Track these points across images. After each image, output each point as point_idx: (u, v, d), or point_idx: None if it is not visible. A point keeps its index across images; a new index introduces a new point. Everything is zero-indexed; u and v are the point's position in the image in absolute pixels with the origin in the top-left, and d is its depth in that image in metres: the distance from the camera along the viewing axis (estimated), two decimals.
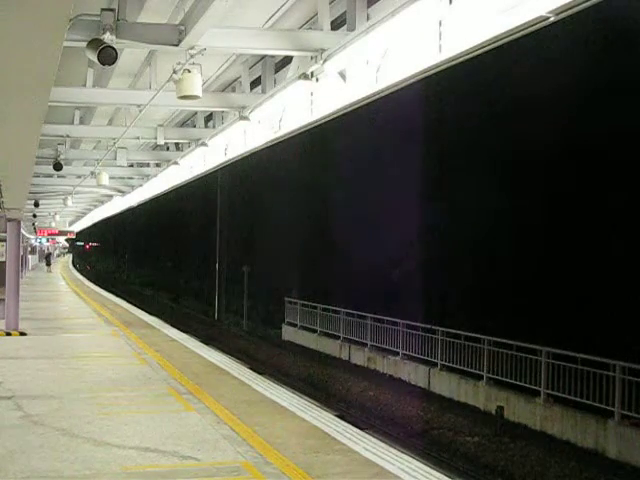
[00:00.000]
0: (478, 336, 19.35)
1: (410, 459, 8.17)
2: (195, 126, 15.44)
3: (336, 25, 8.53)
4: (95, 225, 56.55)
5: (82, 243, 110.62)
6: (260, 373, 16.17)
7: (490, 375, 18.61)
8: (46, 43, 5.79)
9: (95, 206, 36.46)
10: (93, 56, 7.07)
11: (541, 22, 5.56)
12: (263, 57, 10.95)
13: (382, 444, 8.75)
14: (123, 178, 23.00)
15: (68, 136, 15.16)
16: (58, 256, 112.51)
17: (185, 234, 59.95)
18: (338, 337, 26.86)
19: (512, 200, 22.60)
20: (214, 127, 14.52)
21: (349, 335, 26.09)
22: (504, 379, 18.09)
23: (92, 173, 18.30)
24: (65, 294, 36.30)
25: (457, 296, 24.66)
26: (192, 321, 40.33)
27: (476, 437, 16.53)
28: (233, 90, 12.56)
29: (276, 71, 11.13)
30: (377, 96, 8.38)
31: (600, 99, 19.34)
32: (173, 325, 23.46)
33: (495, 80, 21.78)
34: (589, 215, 20.02)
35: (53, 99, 9.82)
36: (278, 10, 8.91)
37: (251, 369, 15.42)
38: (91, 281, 54.62)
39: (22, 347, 16.07)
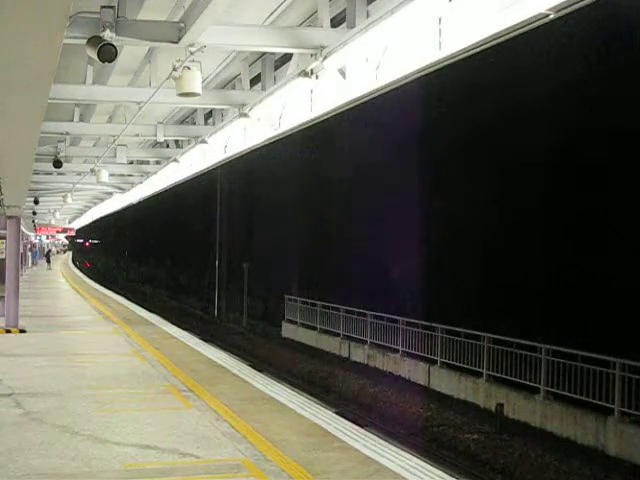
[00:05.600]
0: (478, 333, 19.36)
1: (410, 456, 8.18)
2: (195, 123, 15.45)
3: (336, 22, 8.54)
4: (95, 222, 56.59)
5: (82, 240, 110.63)
6: (260, 370, 16.18)
7: (490, 372, 18.62)
8: (46, 40, 5.79)
9: (95, 203, 36.51)
10: (93, 53, 7.08)
11: (541, 19, 5.57)
12: (263, 54, 10.95)
13: (382, 441, 8.76)
14: (123, 175, 23.02)
15: (68, 133, 15.18)
16: (58, 253, 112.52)
17: (185, 231, 59.94)
18: (338, 334, 26.87)
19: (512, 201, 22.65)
20: (214, 124, 14.53)
21: (349, 332, 26.10)
22: (504, 376, 18.10)
23: (92, 170, 18.31)
24: (65, 292, 36.31)
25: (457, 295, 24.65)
26: (192, 318, 40.36)
27: (476, 434, 16.53)
28: (233, 87, 12.57)
29: (276, 68, 11.14)
30: (377, 93, 8.40)
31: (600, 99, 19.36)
32: (173, 322, 23.47)
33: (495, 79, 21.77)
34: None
35: (53, 96, 9.83)
36: (278, 7, 8.92)
37: (251, 366, 15.43)
38: (91, 278, 54.64)
39: (22, 344, 16.08)
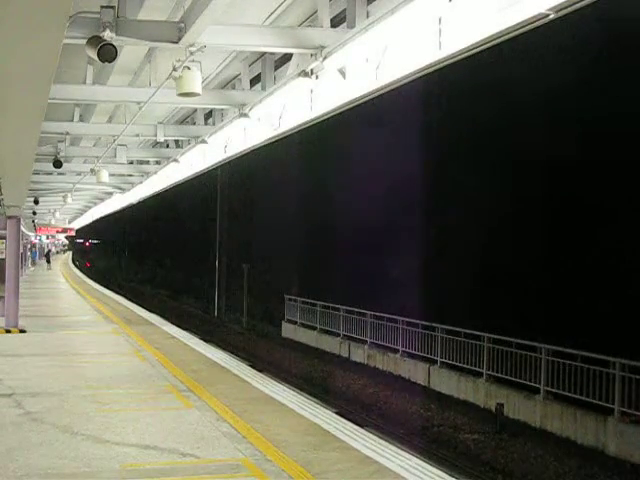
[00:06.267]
0: (478, 333, 19.35)
1: (409, 456, 8.18)
2: (195, 123, 15.45)
3: (336, 22, 8.54)
4: (95, 222, 56.58)
5: (82, 240, 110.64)
6: (260, 370, 16.19)
7: (490, 372, 18.62)
8: (46, 40, 5.80)
9: (95, 203, 36.50)
10: (93, 53, 7.08)
11: (541, 19, 5.57)
12: (263, 54, 10.95)
13: (381, 441, 8.76)
14: (123, 175, 23.03)
15: (68, 133, 15.18)
16: (57, 253, 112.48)
17: (185, 231, 59.98)
18: (338, 334, 26.87)
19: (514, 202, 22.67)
20: (214, 124, 14.53)
21: (349, 332, 26.10)
22: (504, 376, 18.10)
23: (92, 170, 18.31)
24: (65, 291, 36.30)
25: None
26: (192, 318, 40.36)
27: (476, 434, 16.54)
28: (233, 87, 12.57)
29: (276, 68, 11.14)
30: (377, 93, 8.40)
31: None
32: (173, 322, 23.47)
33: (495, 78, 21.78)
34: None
35: (53, 96, 9.83)
36: (278, 7, 8.92)
37: (251, 366, 15.43)
38: (90, 278, 54.63)
39: (22, 344, 16.08)
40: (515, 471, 14.57)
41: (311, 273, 35.20)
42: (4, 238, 18.63)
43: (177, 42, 7.72)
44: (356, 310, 25.86)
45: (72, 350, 15.46)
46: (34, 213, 35.22)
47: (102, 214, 41.92)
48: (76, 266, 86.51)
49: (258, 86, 11.66)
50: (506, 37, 6.06)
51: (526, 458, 15.03)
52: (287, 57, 10.28)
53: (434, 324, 21.32)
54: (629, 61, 18.37)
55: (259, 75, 11.47)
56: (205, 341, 19.90)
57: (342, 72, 8.59)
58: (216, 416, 9.49)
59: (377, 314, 24.45)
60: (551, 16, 5.45)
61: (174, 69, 7.90)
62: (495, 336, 18.72)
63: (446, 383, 20.20)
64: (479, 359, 19.09)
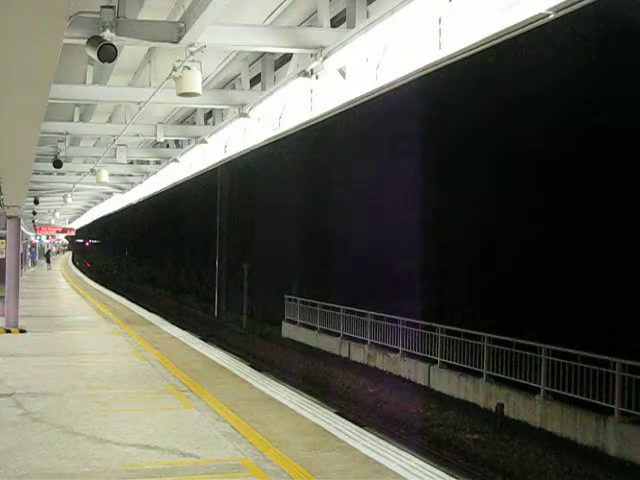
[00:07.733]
0: (478, 333, 19.35)
1: (410, 456, 8.17)
2: (195, 123, 15.45)
3: (336, 22, 8.55)
4: (95, 222, 56.57)
5: (82, 240, 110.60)
6: (259, 370, 16.18)
7: (490, 372, 18.61)
8: (46, 40, 5.80)
9: (95, 203, 36.51)
10: (93, 53, 7.09)
11: (541, 19, 5.57)
12: (263, 54, 10.96)
13: (382, 441, 8.76)
14: (123, 175, 23.05)
15: (68, 133, 15.20)
16: (58, 253, 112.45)
17: (185, 231, 59.98)
18: (338, 334, 26.86)
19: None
20: (214, 124, 14.54)
21: (349, 332, 26.08)
22: (504, 376, 18.09)
23: (92, 170, 18.33)
24: (65, 291, 36.30)
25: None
26: (192, 318, 40.36)
27: (476, 434, 16.53)
28: (233, 87, 12.58)
29: (276, 68, 11.14)
30: (377, 93, 8.40)
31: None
32: (173, 322, 23.47)
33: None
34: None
35: (53, 96, 9.83)
36: (278, 7, 8.92)
37: (251, 366, 15.43)
38: (91, 278, 54.62)
39: (22, 344, 16.08)
40: (515, 471, 14.57)
41: (312, 273, 35.16)
42: (4, 238, 18.64)
43: (177, 42, 7.73)
44: (356, 310, 25.85)
45: (72, 350, 15.46)
46: (34, 213, 35.24)
47: (102, 214, 41.91)
48: (76, 266, 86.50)
49: (258, 86, 11.67)
50: (506, 37, 6.06)
51: (526, 458, 15.03)
52: (287, 57, 10.28)
53: (434, 324, 21.31)
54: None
55: (259, 75, 11.47)
56: (205, 341, 19.90)
57: (342, 72, 8.59)
58: (216, 416, 9.49)
59: (377, 314, 24.44)
60: (551, 16, 5.45)
61: (174, 69, 7.90)
62: (495, 336, 18.71)
63: (446, 383, 20.19)
64: (479, 359, 19.09)
